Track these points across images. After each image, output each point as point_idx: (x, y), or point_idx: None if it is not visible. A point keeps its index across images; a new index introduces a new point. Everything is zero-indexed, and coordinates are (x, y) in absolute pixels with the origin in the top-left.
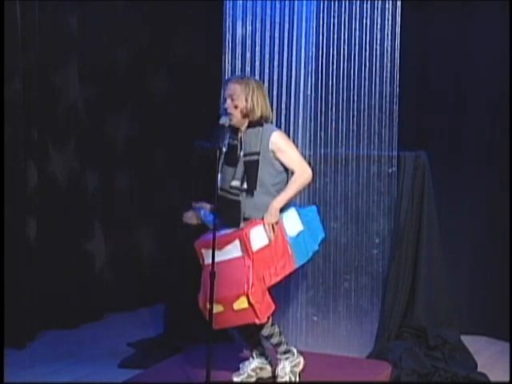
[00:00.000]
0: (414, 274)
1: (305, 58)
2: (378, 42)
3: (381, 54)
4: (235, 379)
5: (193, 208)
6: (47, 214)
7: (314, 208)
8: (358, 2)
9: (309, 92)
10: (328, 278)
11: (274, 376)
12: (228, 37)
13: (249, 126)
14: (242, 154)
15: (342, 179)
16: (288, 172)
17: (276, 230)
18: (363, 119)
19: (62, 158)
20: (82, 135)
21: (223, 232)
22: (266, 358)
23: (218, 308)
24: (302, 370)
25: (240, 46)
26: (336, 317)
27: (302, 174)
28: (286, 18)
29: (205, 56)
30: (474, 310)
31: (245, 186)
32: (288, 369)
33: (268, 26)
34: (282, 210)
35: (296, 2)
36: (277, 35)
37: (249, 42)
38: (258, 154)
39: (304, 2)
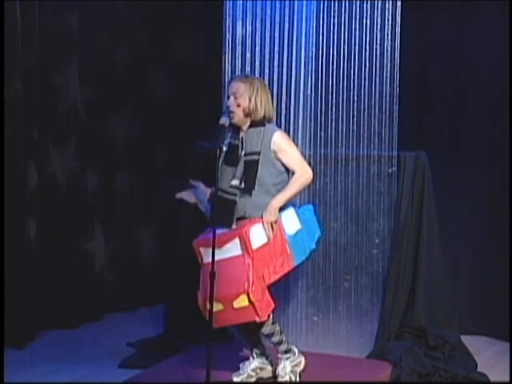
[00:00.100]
0: (414, 274)
1: (305, 58)
2: (378, 41)
3: (381, 54)
4: (235, 379)
5: (190, 185)
6: (47, 213)
7: (311, 207)
8: (358, 2)
9: (309, 92)
10: (328, 278)
11: (275, 376)
12: (228, 37)
13: (251, 126)
14: (242, 153)
15: (342, 179)
16: (289, 172)
17: (275, 228)
18: (363, 119)
19: (61, 157)
20: (82, 135)
21: (221, 231)
22: (267, 358)
23: (217, 306)
24: (303, 370)
25: (240, 46)
26: (336, 317)
27: (303, 174)
28: (286, 18)
29: (205, 56)
30: (474, 310)
31: (243, 185)
32: (289, 368)
33: (268, 26)
34: (281, 209)
35: (296, 1)
36: (277, 35)
37: (249, 42)
38: (259, 153)
39: (304, 1)
